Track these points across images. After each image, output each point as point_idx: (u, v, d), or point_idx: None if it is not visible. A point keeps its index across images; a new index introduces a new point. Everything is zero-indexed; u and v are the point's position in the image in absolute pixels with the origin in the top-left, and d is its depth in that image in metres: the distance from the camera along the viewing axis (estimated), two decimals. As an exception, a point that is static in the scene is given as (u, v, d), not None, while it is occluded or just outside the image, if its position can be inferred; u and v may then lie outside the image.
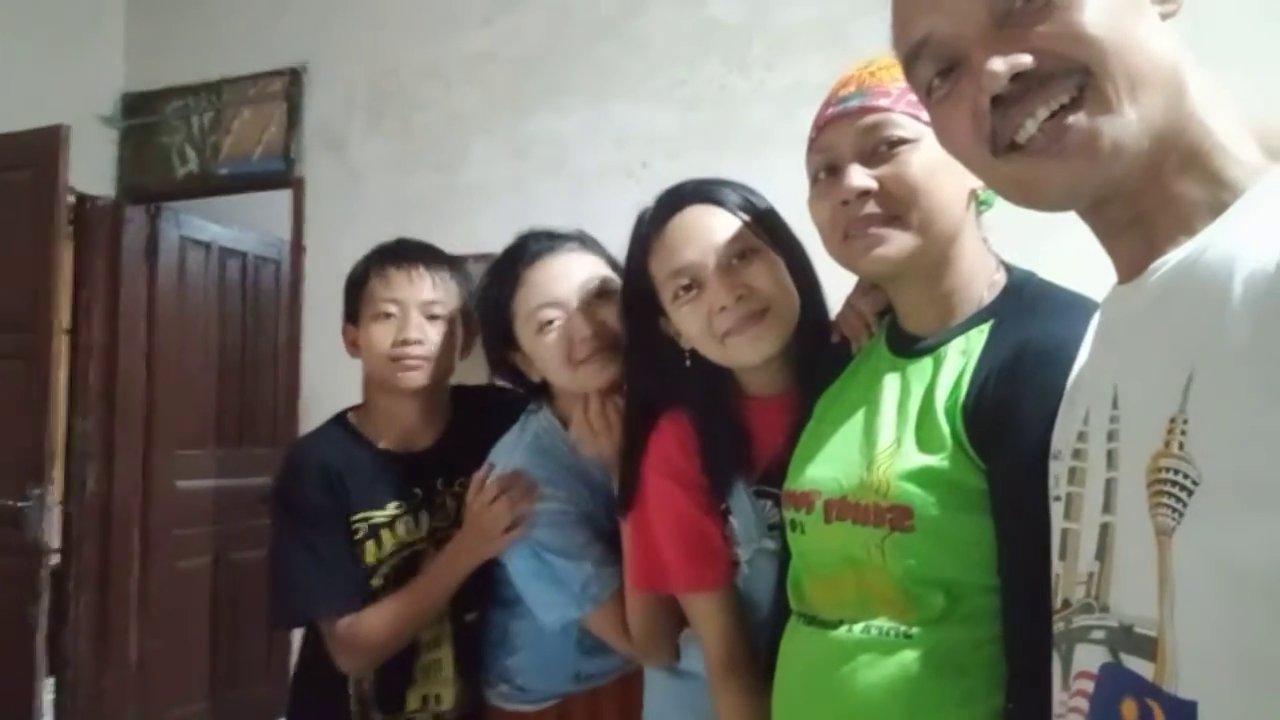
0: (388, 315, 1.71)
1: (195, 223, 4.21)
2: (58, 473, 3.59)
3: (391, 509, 1.70)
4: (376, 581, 1.68)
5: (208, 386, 4.23)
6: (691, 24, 3.27)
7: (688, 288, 1.27)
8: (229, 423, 4.31)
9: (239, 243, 4.41)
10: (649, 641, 1.46)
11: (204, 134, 3.95)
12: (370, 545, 1.68)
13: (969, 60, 0.75)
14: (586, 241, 1.61)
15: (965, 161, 0.82)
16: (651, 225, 1.32)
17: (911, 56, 0.80)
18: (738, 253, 1.26)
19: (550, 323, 1.51)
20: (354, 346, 1.78)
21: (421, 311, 1.71)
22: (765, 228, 1.29)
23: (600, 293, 1.52)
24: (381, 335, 1.70)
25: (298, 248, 3.79)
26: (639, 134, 3.27)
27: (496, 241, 3.66)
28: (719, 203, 1.29)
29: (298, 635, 3.51)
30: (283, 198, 3.88)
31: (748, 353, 1.26)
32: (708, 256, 1.26)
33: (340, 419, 1.81)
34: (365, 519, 1.69)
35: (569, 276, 1.53)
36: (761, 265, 1.26)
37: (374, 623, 1.63)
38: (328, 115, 3.77)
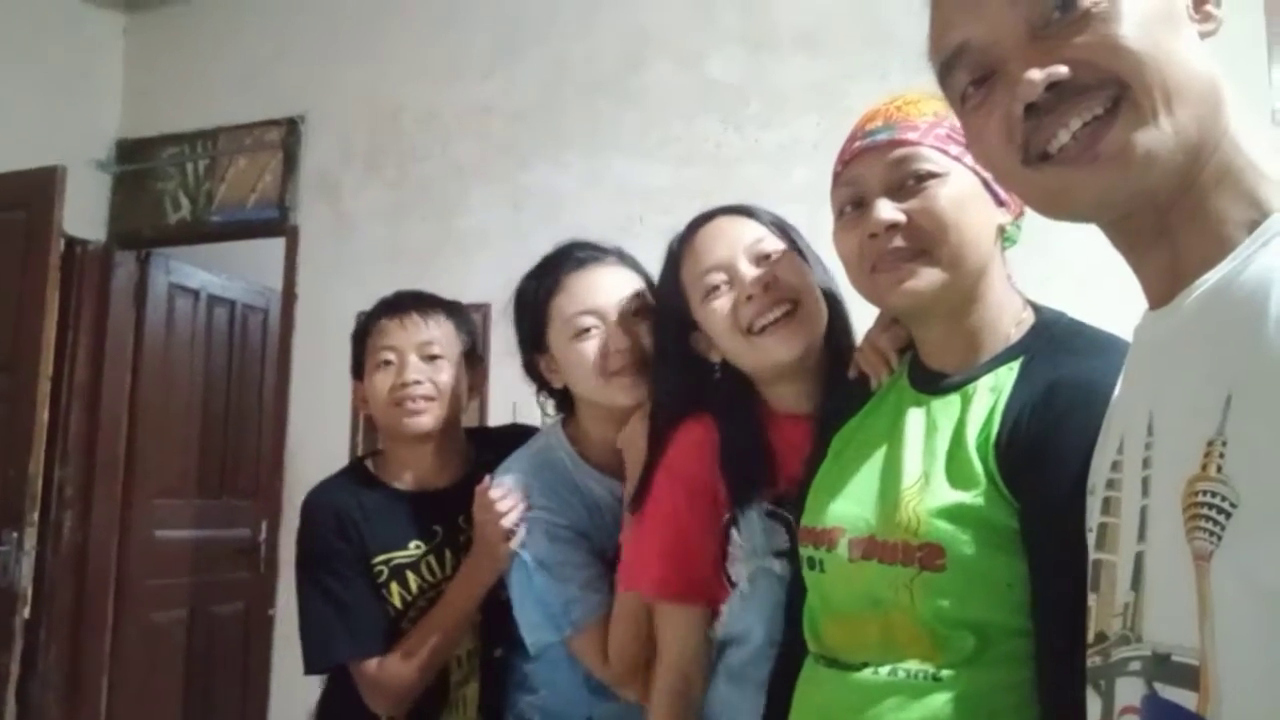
0: (386, 363, 1.73)
1: (184, 269, 4.19)
2: (34, 518, 3.51)
3: (413, 548, 1.70)
4: (408, 626, 1.66)
5: (190, 435, 4.17)
6: (689, 82, 3.32)
7: (716, 286, 1.30)
8: (211, 473, 4.24)
9: (227, 290, 4.39)
10: (626, 671, 1.45)
11: (198, 181, 3.96)
12: (395, 587, 1.68)
13: (1005, 69, 0.75)
14: (626, 258, 1.63)
15: (996, 171, 0.82)
16: (682, 238, 1.37)
17: (947, 64, 0.80)
18: (765, 252, 1.30)
19: (587, 330, 1.52)
20: (363, 402, 1.80)
21: (419, 354, 1.73)
22: (791, 240, 1.33)
23: (638, 310, 1.53)
24: (381, 383, 1.72)
25: (290, 296, 3.77)
26: (635, 188, 3.30)
27: (490, 292, 3.66)
28: (748, 214, 1.34)
29: (283, 688, 3.46)
30: (273, 245, 3.88)
31: (780, 350, 1.28)
32: (736, 252, 1.30)
33: (356, 464, 1.84)
34: (386, 560, 1.68)
35: (610, 288, 1.54)
36: (788, 262, 1.30)
37: (401, 660, 1.62)
38: (324, 164, 3.79)
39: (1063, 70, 0.71)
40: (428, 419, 1.71)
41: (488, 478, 1.61)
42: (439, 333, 1.76)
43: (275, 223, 3.81)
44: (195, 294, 4.25)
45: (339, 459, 3.52)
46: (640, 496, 1.39)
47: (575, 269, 1.56)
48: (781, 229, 1.34)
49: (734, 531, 1.30)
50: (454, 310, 1.83)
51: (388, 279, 3.57)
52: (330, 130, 3.80)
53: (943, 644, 0.98)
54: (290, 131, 3.82)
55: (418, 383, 1.70)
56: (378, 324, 1.77)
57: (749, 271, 1.28)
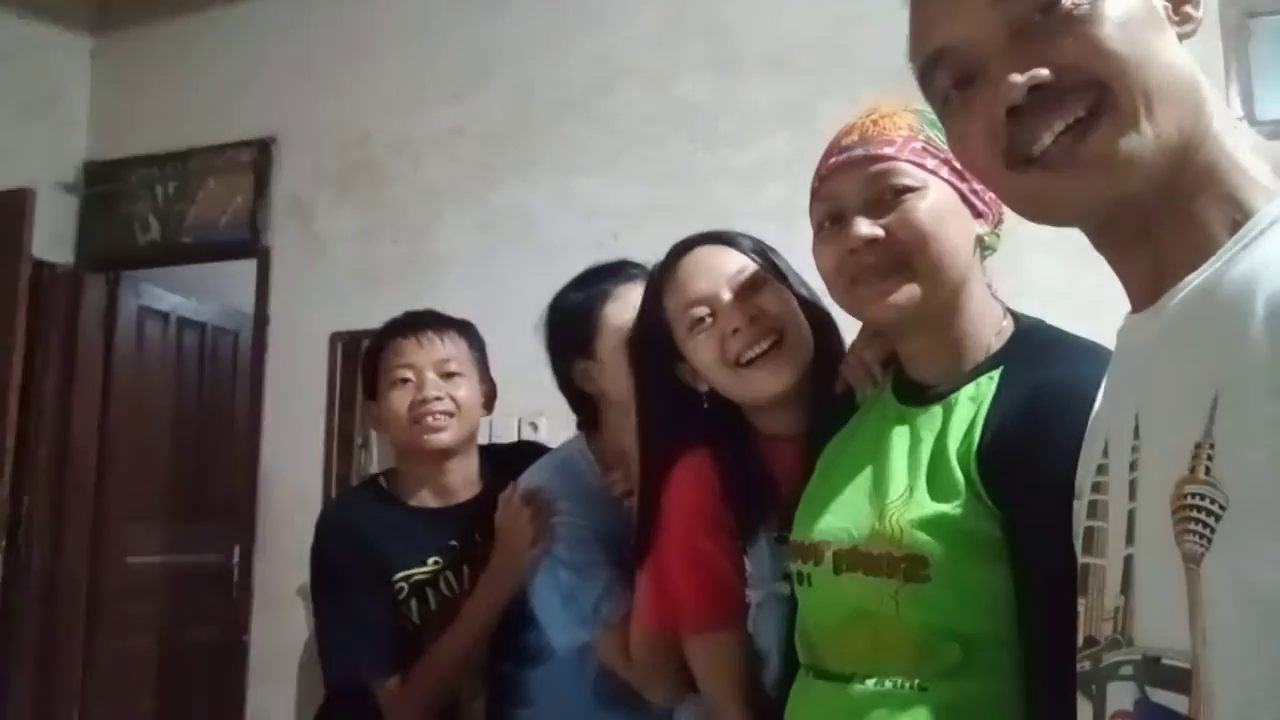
0: (404, 381, 1.73)
1: (154, 292, 4.15)
2: (2, 544, 3.47)
3: (432, 564, 1.70)
4: (427, 641, 1.67)
5: (161, 459, 4.12)
6: (658, 103, 3.34)
7: (701, 319, 1.29)
8: (182, 498, 4.18)
9: (198, 313, 4.36)
10: (650, 671, 1.45)
11: (168, 203, 3.93)
12: (414, 604, 1.68)
13: (986, 72, 0.74)
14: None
15: (979, 173, 0.82)
16: (664, 267, 1.37)
17: (928, 67, 0.80)
18: (749, 282, 1.30)
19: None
20: (378, 422, 1.81)
21: (437, 371, 1.74)
22: (773, 266, 1.34)
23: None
24: (400, 400, 1.73)
25: (262, 318, 3.75)
26: (606, 208, 3.31)
27: (464, 311, 3.67)
28: (728, 242, 1.34)
29: (258, 716, 3.42)
30: (242, 268, 3.86)
31: (770, 382, 1.28)
32: (720, 286, 1.30)
33: (371, 481, 1.85)
34: (406, 577, 1.69)
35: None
36: (772, 292, 1.30)
37: (423, 676, 1.63)
38: (296, 186, 3.77)
39: (1044, 73, 0.71)
40: (448, 435, 1.73)
41: (512, 484, 1.62)
42: (455, 350, 1.78)
43: (247, 244, 3.79)
44: (165, 317, 4.21)
45: (313, 483, 3.54)
46: (646, 539, 1.39)
47: (627, 280, 1.57)
48: (762, 254, 1.35)
49: (745, 560, 1.31)
50: (466, 328, 1.85)
51: (360, 301, 3.61)
52: (302, 152, 3.79)
53: (929, 655, 0.99)
54: (262, 153, 3.80)
55: (438, 399, 1.71)
56: (392, 343, 1.77)
57: (733, 305, 1.28)
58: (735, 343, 1.27)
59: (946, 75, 0.78)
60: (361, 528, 1.70)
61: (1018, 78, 0.71)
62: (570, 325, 1.62)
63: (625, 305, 1.54)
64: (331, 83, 3.78)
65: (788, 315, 1.30)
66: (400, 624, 1.67)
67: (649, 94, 3.36)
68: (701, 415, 1.36)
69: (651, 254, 3.10)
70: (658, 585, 1.38)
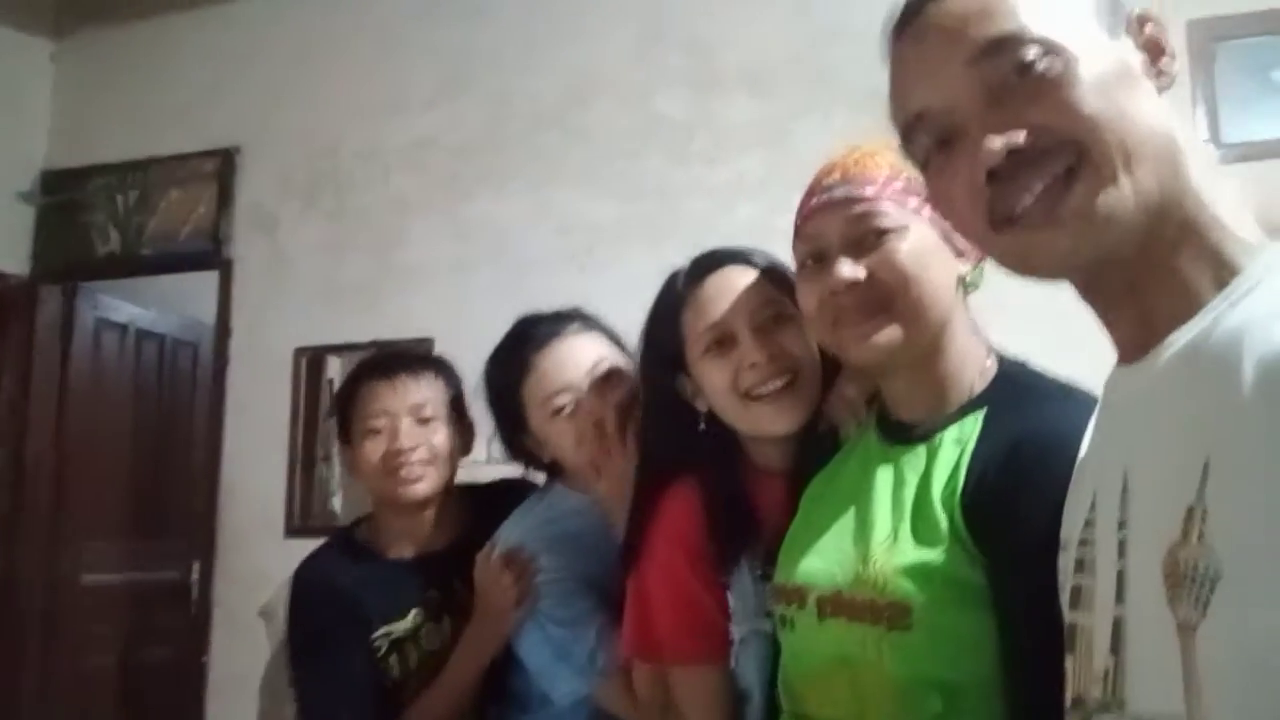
0: (378, 430, 1.67)
1: (112, 303, 4.07)
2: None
3: (412, 617, 1.64)
4: (408, 696, 1.61)
5: (119, 474, 4.03)
6: (634, 118, 3.33)
7: (719, 342, 1.27)
8: (141, 513, 4.09)
9: (157, 324, 4.27)
10: (659, 711, 1.41)
11: (128, 213, 3.85)
12: (394, 660, 1.62)
13: (965, 134, 0.76)
14: (588, 320, 1.60)
15: (964, 233, 0.83)
16: (688, 281, 1.33)
17: (908, 129, 0.81)
18: (773, 316, 1.28)
19: (562, 409, 1.51)
20: (352, 469, 1.74)
21: (412, 416, 1.67)
22: (794, 296, 1.29)
23: (608, 375, 1.52)
24: (374, 450, 1.66)
25: (224, 331, 3.68)
26: (581, 222, 3.30)
27: (432, 326, 3.62)
28: (753, 264, 1.31)
29: None
30: (202, 279, 3.79)
31: (776, 422, 1.26)
32: (743, 315, 1.27)
33: (346, 533, 1.77)
34: (386, 634, 1.63)
35: (577, 362, 1.53)
36: (794, 330, 1.28)
37: None
38: (261, 196, 3.71)
39: (1021, 136, 0.72)
40: (424, 486, 1.66)
41: (489, 545, 1.57)
42: (430, 393, 1.70)
43: (209, 256, 3.73)
44: (123, 329, 4.12)
45: (275, 500, 3.48)
46: (632, 555, 1.37)
47: (539, 348, 1.54)
48: (787, 283, 1.29)
49: (729, 594, 1.29)
50: (441, 368, 1.78)
51: (327, 314, 3.56)
52: (267, 162, 3.73)
53: (910, 705, 0.97)
54: (225, 163, 3.74)
55: (414, 448, 1.65)
56: (365, 387, 1.70)
57: (756, 339, 1.26)
58: (750, 376, 1.25)
59: (926, 137, 0.80)
60: (340, 587, 1.63)
61: (995, 143, 0.73)
62: (500, 405, 1.60)
63: (543, 377, 1.52)
64: (299, 90, 3.72)
65: (806, 358, 1.27)
66: (379, 681, 1.61)
67: (625, 108, 3.35)
68: (697, 434, 1.34)
69: (626, 270, 3.11)
70: (641, 617, 1.37)
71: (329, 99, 3.67)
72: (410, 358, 1.78)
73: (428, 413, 1.68)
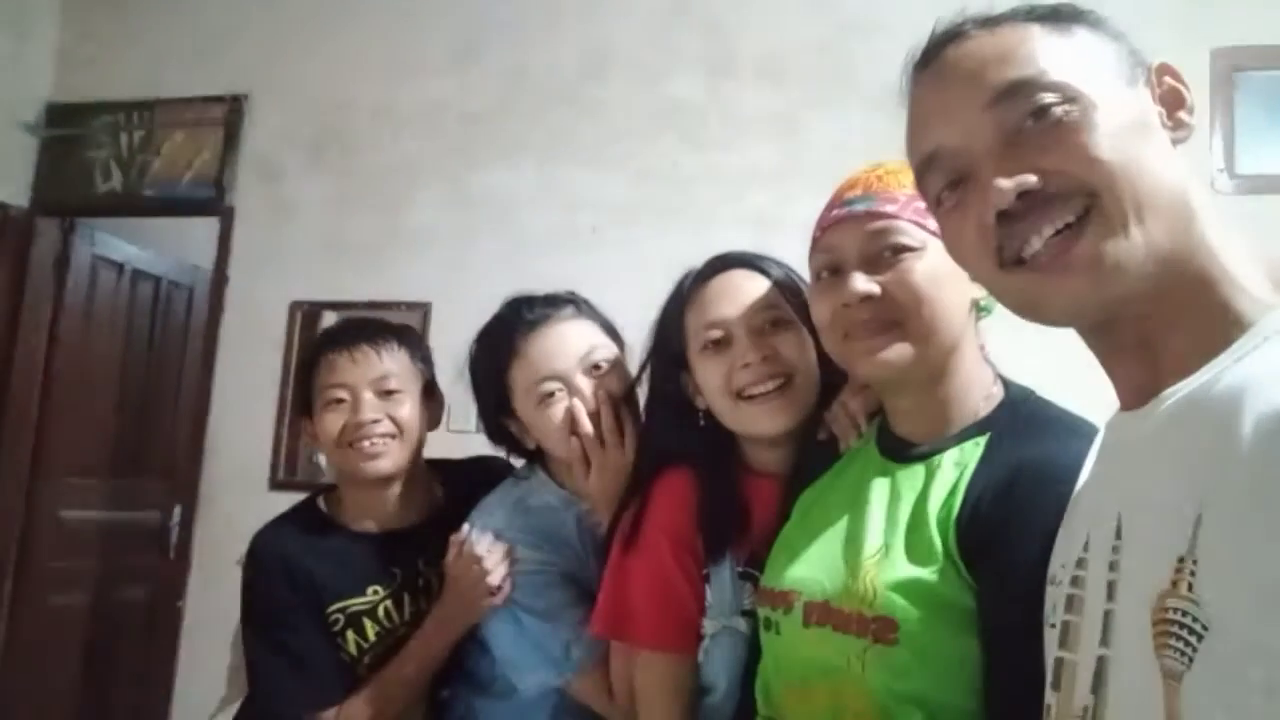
0: (338, 401, 1.61)
1: (110, 241, 4.03)
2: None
3: (371, 594, 1.61)
4: (364, 671, 1.58)
5: (105, 412, 4.00)
6: (649, 98, 3.30)
7: (717, 341, 1.29)
8: (125, 453, 4.06)
9: (153, 266, 4.23)
10: (632, 704, 1.41)
11: (132, 152, 3.80)
12: (351, 635, 1.59)
13: (977, 175, 0.76)
14: (582, 306, 1.57)
15: (972, 272, 0.83)
16: (695, 280, 1.36)
17: (922, 167, 0.82)
18: (772, 320, 1.30)
19: (551, 395, 1.49)
20: (313, 439, 1.68)
21: (374, 389, 1.61)
22: (802, 307, 1.30)
23: (600, 365, 1.50)
24: (333, 423, 1.60)
25: (220, 278, 3.65)
26: (589, 199, 3.28)
27: (433, 290, 3.58)
28: (763, 271, 1.33)
29: (188, 684, 3.34)
30: (202, 225, 3.76)
31: (764, 423, 1.28)
32: (742, 315, 1.29)
33: (309, 503, 1.71)
34: (342, 608, 1.59)
35: (568, 350, 1.50)
36: (792, 336, 1.29)
37: (361, 708, 1.55)
38: (267, 146, 3.67)
39: (1032, 180, 0.72)
40: (387, 462, 1.60)
41: (465, 528, 1.53)
42: (394, 365, 1.63)
43: (210, 202, 3.69)
44: (119, 268, 4.08)
45: (260, 454, 3.47)
46: (618, 533, 1.38)
47: (528, 333, 1.51)
48: (792, 290, 1.31)
49: (707, 588, 1.30)
50: (407, 338, 1.71)
51: (326, 270, 3.54)
52: (276, 112, 3.68)
53: (890, 719, 0.98)
54: (234, 110, 3.70)
55: (375, 421, 1.59)
56: (325, 358, 1.63)
57: (750, 339, 1.28)
58: (742, 376, 1.27)
59: (939, 177, 0.80)
60: (296, 558, 1.59)
61: (1005, 183, 0.73)
62: (485, 387, 1.56)
63: (532, 363, 1.49)
64: (313, 43, 3.67)
65: (801, 363, 1.29)
66: (336, 655, 1.58)
67: (640, 88, 3.32)
68: (697, 431, 1.35)
69: (631, 251, 3.09)
70: (617, 595, 1.37)
71: (343, 54, 3.63)
72: (374, 326, 1.69)
73: (391, 385, 1.62)
